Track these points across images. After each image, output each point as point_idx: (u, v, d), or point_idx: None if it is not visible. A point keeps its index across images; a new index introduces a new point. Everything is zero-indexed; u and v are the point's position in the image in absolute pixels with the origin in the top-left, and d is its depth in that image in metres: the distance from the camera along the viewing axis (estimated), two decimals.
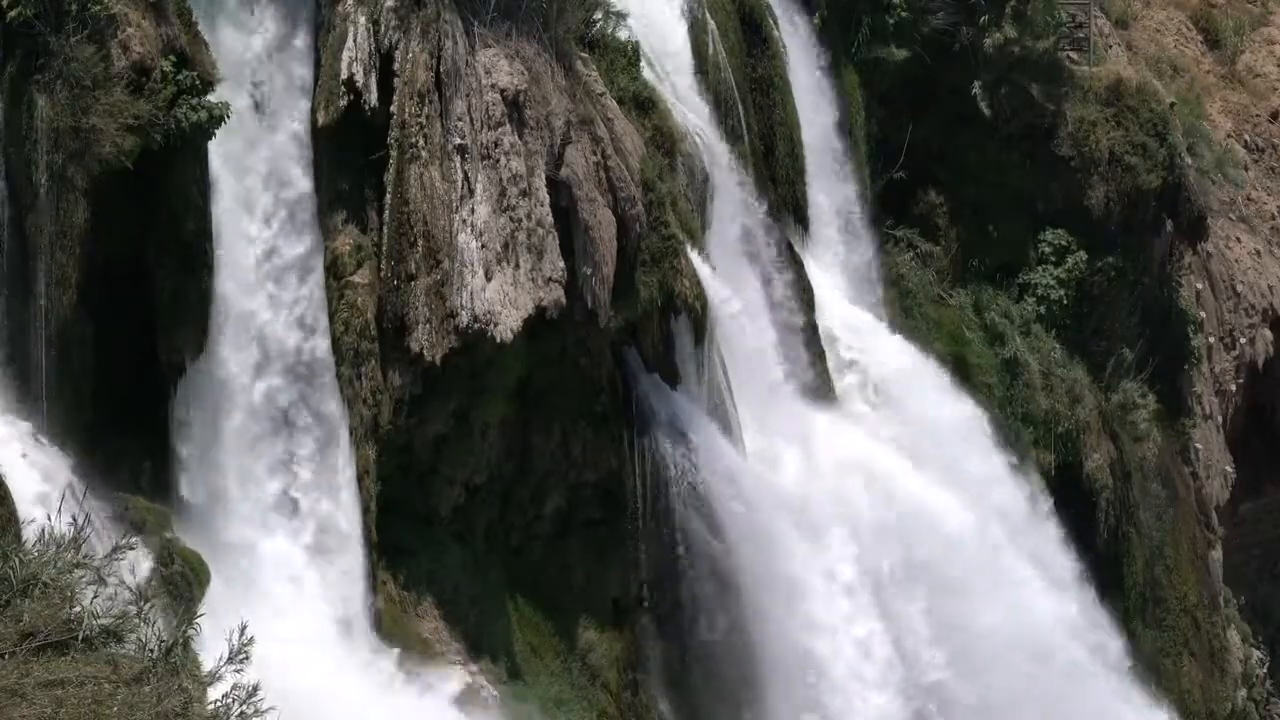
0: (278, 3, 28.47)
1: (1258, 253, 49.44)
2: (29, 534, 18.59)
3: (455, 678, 29.20)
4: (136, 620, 12.89)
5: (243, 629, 12.90)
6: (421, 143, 28.92)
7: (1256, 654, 48.22)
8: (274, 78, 28.42)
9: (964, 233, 42.29)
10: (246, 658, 12.83)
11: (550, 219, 29.74)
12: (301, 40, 28.70)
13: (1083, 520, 41.06)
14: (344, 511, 28.53)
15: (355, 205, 29.19)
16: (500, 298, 29.05)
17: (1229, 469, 47.32)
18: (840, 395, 37.42)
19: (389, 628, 28.74)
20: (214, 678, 12.78)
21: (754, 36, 37.69)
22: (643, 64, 34.02)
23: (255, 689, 12.36)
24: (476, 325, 28.77)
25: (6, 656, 12.40)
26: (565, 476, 31.73)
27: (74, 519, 13.62)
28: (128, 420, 26.47)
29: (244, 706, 12.12)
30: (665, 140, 33.63)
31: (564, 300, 29.76)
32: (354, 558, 28.48)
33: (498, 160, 29.50)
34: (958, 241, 42.20)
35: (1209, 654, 44.73)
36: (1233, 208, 49.35)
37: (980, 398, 40.21)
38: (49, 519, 14.01)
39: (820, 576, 33.94)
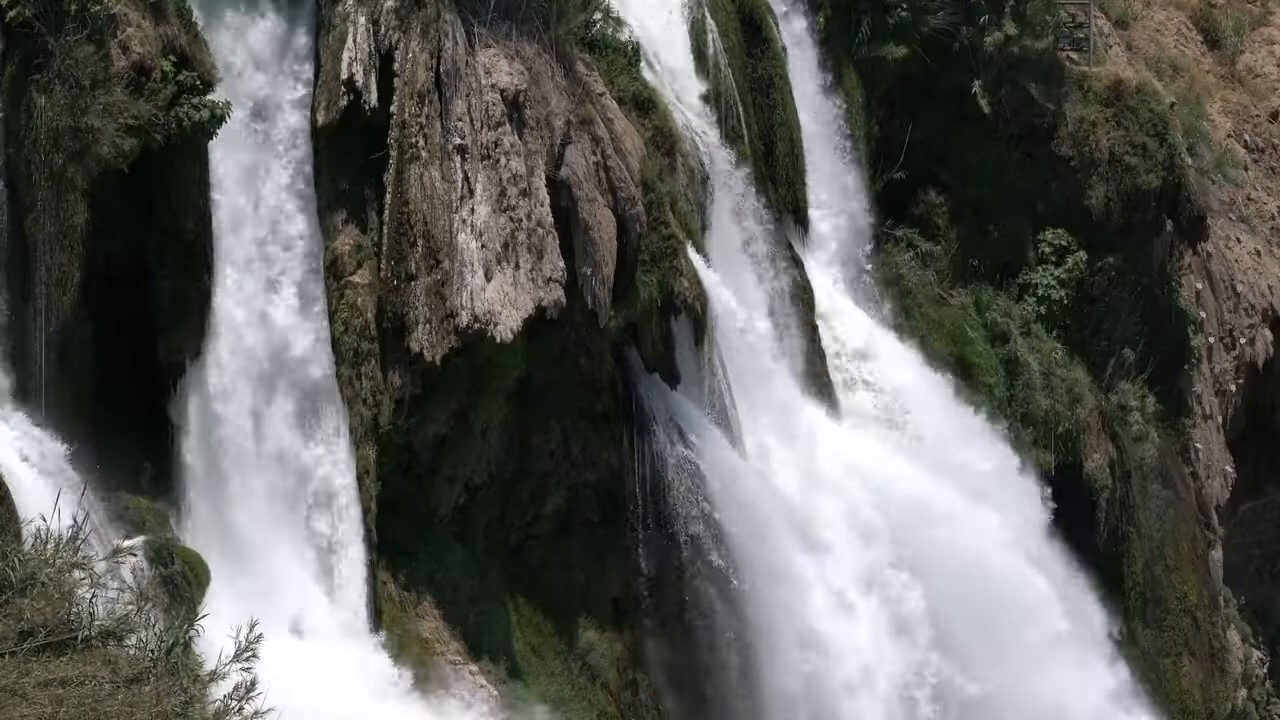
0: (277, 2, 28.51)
1: (1258, 253, 49.42)
2: (28, 533, 18.56)
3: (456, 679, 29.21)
4: (136, 620, 12.86)
5: (251, 626, 12.83)
6: (421, 143, 28.90)
7: (1256, 654, 48.20)
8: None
9: (964, 233, 42.25)
10: (254, 655, 12.78)
11: (550, 219, 29.73)
12: (301, 39, 28.70)
13: (1083, 520, 41.04)
14: (344, 511, 28.49)
15: (355, 205, 29.17)
16: (500, 298, 29.04)
17: (1229, 469, 47.29)
18: (840, 394, 37.42)
19: (389, 627, 28.73)
20: (219, 675, 12.72)
21: (754, 36, 37.67)
22: (643, 64, 34.01)
23: (253, 684, 12.33)
24: (476, 325, 28.75)
25: (6, 656, 12.37)
26: (565, 476, 31.73)
27: (74, 518, 13.59)
28: (127, 420, 26.45)
29: (243, 704, 12.10)
30: (665, 140, 33.62)
31: (564, 300, 29.74)
32: (354, 557, 28.44)
33: (498, 160, 29.49)
34: (958, 241, 42.17)
35: (1209, 654, 44.72)
36: (1233, 208, 49.33)
37: (980, 397, 40.20)
38: (44, 518, 13.96)
39: (819, 575, 33.93)
